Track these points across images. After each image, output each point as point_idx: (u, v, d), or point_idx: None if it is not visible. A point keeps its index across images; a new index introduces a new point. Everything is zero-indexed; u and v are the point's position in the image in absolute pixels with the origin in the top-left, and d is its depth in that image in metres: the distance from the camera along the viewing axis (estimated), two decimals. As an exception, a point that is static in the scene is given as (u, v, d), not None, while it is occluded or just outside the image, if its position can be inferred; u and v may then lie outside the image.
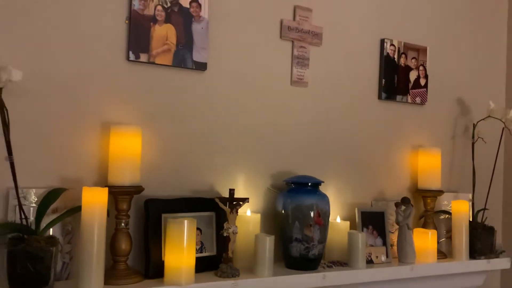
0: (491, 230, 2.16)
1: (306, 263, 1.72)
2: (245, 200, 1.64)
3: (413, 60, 2.24)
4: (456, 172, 2.36)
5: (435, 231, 2.04)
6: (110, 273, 1.44)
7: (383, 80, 2.15)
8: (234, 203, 1.62)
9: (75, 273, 1.46)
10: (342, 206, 2.03)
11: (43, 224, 1.38)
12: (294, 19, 1.94)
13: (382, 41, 2.16)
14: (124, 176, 1.49)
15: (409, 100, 2.23)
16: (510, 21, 2.62)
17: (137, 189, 1.51)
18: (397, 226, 2.00)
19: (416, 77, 2.25)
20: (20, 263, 1.25)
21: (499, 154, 2.34)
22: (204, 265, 1.59)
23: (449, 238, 2.17)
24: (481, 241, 2.12)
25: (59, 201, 1.45)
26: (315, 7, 1.98)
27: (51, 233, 1.43)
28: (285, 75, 1.93)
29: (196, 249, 1.54)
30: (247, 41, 1.84)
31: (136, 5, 1.61)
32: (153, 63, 1.64)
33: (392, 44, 2.18)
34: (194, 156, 1.73)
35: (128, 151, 1.49)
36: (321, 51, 2.00)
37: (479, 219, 2.20)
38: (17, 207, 1.38)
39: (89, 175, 1.55)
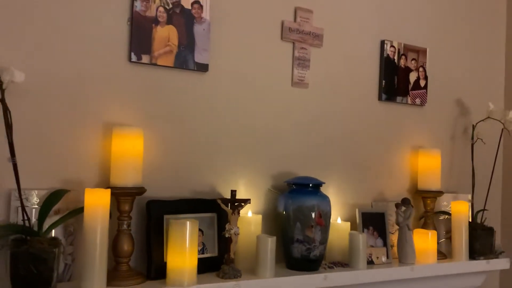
0: (490, 231, 2.17)
1: (308, 264, 1.72)
2: (246, 201, 1.65)
3: (413, 62, 2.25)
4: (455, 173, 2.37)
5: (435, 232, 2.05)
6: (112, 274, 1.44)
7: (383, 81, 2.16)
8: (236, 204, 1.63)
9: (77, 274, 1.46)
10: (342, 207, 2.03)
11: (45, 225, 1.38)
12: (295, 20, 1.95)
13: (382, 43, 2.17)
14: (126, 177, 1.49)
15: (409, 101, 2.24)
16: (509, 23, 2.63)
17: (139, 190, 1.51)
18: (397, 227, 2.01)
19: (416, 78, 2.26)
20: (23, 264, 1.25)
21: (498, 155, 2.35)
22: (205, 266, 1.59)
23: (449, 238, 2.18)
24: (481, 242, 2.13)
25: (61, 203, 1.45)
26: (315, 8, 1.99)
27: (53, 235, 1.43)
28: (286, 76, 1.93)
29: (198, 250, 1.54)
30: (248, 42, 1.85)
31: (138, 6, 1.62)
32: (155, 64, 1.65)
33: (392, 46, 2.18)
34: (196, 157, 1.74)
35: (130, 152, 1.50)
36: (321, 52, 2.01)
37: (478, 220, 2.21)
38: (19, 209, 1.38)
39: (91, 176, 1.55)
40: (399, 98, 2.21)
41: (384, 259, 1.93)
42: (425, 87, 2.28)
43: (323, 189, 1.83)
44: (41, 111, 1.48)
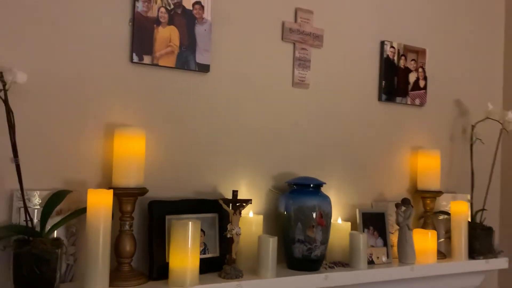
0: (489, 231, 2.18)
1: (309, 264, 1.73)
2: (248, 201, 1.65)
3: (413, 62, 2.26)
4: (454, 173, 2.38)
5: (435, 232, 2.06)
6: (115, 274, 1.44)
7: (383, 81, 2.17)
8: (238, 204, 1.63)
9: (79, 275, 1.46)
10: (342, 207, 2.04)
11: (48, 226, 1.38)
12: (295, 21, 1.95)
13: (382, 43, 2.18)
14: (128, 178, 1.49)
15: (409, 101, 2.24)
16: (507, 24, 2.64)
17: (141, 190, 1.51)
18: (397, 227, 2.02)
19: (415, 79, 2.27)
20: (26, 265, 1.25)
21: (497, 155, 2.36)
22: (207, 267, 1.60)
23: (448, 238, 2.19)
24: (480, 242, 2.14)
25: (63, 203, 1.44)
26: (316, 9, 1.99)
27: (55, 235, 1.43)
28: (286, 77, 1.94)
29: (199, 251, 1.54)
30: (249, 43, 1.85)
31: (140, 7, 1.62)
32: (157, 65, 1.65)
33: (392, 46, 2.19)
34: (197, 157, 1.74)
35: (132, 153, 1.50)
36: (322, 53, 2.01)
37: (477, 220, 2.22)
38: (21, 209, 1.38)
39: (93, 177, 1.55)
40: (398, 99, 2.22)
41: (384, 259, 1.94)
42: (425, 87, 2.29)
43: (323, 189, 1.83)
44: (43, 112, 1.48)
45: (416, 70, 2.27)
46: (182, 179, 1.70)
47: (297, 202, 1.74)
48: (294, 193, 1.78)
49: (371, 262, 1.89)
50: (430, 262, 2.00)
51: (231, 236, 1.60)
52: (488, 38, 2.59)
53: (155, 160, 1.64)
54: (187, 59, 1.70)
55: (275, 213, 1.83)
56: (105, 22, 1.58)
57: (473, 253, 2.13)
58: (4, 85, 1.27)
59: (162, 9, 1.66)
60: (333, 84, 2.05)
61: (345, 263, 1.84)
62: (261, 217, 1.79)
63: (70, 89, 1.52)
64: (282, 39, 1.92)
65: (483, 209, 2.23)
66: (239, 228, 1.61)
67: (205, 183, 1.75)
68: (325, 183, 1.82)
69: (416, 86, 2.27)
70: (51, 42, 1.50)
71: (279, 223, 1.80)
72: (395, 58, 2.21)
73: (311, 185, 1.79)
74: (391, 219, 2.05)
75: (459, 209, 2.11)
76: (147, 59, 1.63)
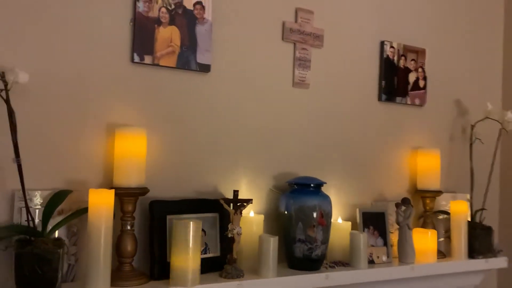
0: (489, 230, 2.18)
1: (309, 263, 1.73)
2: (249, 201, 1.65)
3: (412, 62, 2.27)
4: (454, 172, 2.39)
5: (435, 231, 2.07)
6: (116, 274, 1.44)
7: (383, 81, 2.17)
8: (238, 204, 1.63)
9: (81, 275, 1.47)
10: (342, 207, 2.04)
11: (49, 226, 1.38)
12: (296, 21, 1.95)
13: (382, 43, 2.18)
14: (129, 177, 1.49)
15: (409, 101, 2.25)
16: (506, 24, 2.65)
17: (143, 190, 1.51)
18: (396, 226, 2.02)
19: (415, 78, 2.27)
20: (28, 265, 1.25)
21: (496, 155, 2.37)
22: (208, 266, 1.60)
23: (448, 238, 2.20)
24: (480, 241, 2.15)
25: (64, 203, 1.44)
26: (316, 9, 2.00)
27: (56, 235, 1.43)
28: (287, 77, 1.94)
29: (201, 250, 1.54)
30: (249, 43, 1.86)
31: (141, 7, 1.62)
32: (158, 65, 1.65)
33: (392, 46, 2.20)
34: (198, 157, 1.74)
35: (133, 153, 1.50)
36: (322, 53, 2.02)
37: (477, 219, 2.23)
38: (23, 209, 1.38)
39: (94, 177, 1.55)
40: (398, 99, 2.22)
41: (384, 258, 1.94)
42: (424, 87, 2.30)
43: (323, 189, 1.84)
44: (44, 112, 1.48)
45: (416, 70, 2.28)
46: (183, 179, 1.70)
47: (298, 202, 1.74)
48: (294, 193, 1.78)
49: (371, 262, 1.90)
50: (430, 261, 2.01)
51: (232, 235, 1.60)
52: (487, 38, 2.60)
53: (156, 160, 1.64)
54: (188, 59, 1.70)
55: (276, 213, 1.83)
56: (106, 22, 1.58)
57: (472, 253, 2.13)
58: (5, 85, 1.26)
59: (163, 9, 1.66)
60: (333, 84, 2.06)
61: (345, 263, 1.84)
62: (261, 216, 1.79)
63: (71, 89, 1.52)
64: (283, 39, 1.92)
65: (482, 209, 2.24)
66: (240, 227, 1.61)
67: (206, 183, 1.75)
68: (325, 183, 1.82)
69: (416, 86, 2.27)
70: (52, 42, 1.50)
71: (279, 223, 1.80)
72: (395, 58, 2.21)
73: (312, 185, 1.79)
74: (391, 218, 2.05)
75: (459, 209, 2.11)
76: (148, 59, 1.63)
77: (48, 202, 1.40)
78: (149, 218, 1.57)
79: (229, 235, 1.60)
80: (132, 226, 1.50)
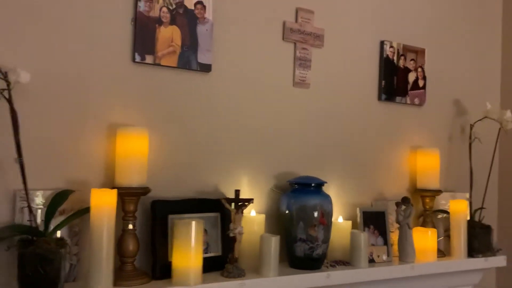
0: (488, 229, 2.20)
1: (310, 262, 1.74)
2: (250, 200, 1.66)
3: (412, 62, 2.27)
4: (453, 172, 2.40)
5: (434, 230, 2.07)
6: (118, 274, 1.44)
7: (383, 81, 2.18)
8: (240, 203, 1.63)
9: (82, 274, 1.47)
10: (343, 206, 2.05)
11: (51, 226, 1.38)
12: (296, 21, 1.96)
13: (382, 43, 2.19)
14: (131, 177, 1.49)
15: (408, 101, 2.26)
16: (504, 25, 2.67)
17: (144, 190, 1.51)
18: (396, 226, 2.03)
19: (414, 78, 2.28)
20: (30, 265, 1.25)
21: (495, 154, 2.38)
22: (209, 266, 1.60)
23: (447, 236, 2.20)
24: (479, 240, 2.16)
25: (66, 203, 1.44)
26: (316, 9, 2.00)
27: (58, 235, 1.43)
28: (287, 77, 1.95)
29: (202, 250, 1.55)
30: (250, 42, 1.86)
31: (142, 6, 1.62)
32: (159, 64, 1.65)
33: (391, 46, 2.21)
34: (199, 157, 1.74)
35: (135, 152, 1.50)
36: (322, 52, 2.02)
37: (476, 218, 2.24)
38: (24, 209, 1.38)
39: (95, 177, 1.55)
40: (398, 98, 2.23)
41: (384, 257, 1.95)
42: (424, 87, 2.31)
43: (324, 188, 1.84)
44: (45, 112, 1.48)
45: (416, 69, 2.28)
46: (184, 179, 1.70)
47: (299, 202, 1.74)
48: (295, 192, 1.79)
49: (371, 261, 1.91)
50: (430, 260, 2.02)
51: (233, 235, 1.61)
52: (486, 38, 2.61)
53: (157, 160, 1.64)
54: (188, 58, 1.70)
55: (277, 213, 1.84)
56: (107, 22, 1.58)
57: (472, 252, 2.14)
58: (8, 85, 1.26)
59: (164, 9, 1.66)
60: (333, 84, 2.06)
61: (346, 262, 1.85)
62: (263, 216, 1.79)
63: (72, 89, 1.52)
64: (283, 39, 1.93)
65: (481, 208, 2.25)
66: (242, 227, 1.62)
67: (207, 182, 1.75)
68: (326, 182, 1.83)
69: (415, 86, 2.28)
70: (53, 41, 1.49)
71: (280, 222, 1.81)
72: (395, 58, 2.22)
73: (313, 185, 1.80)
74: (391, 218, 2.06)
75: (459, 208, 2.12)
76: (149, 58, 1.63)
77: (50, 202, 1.39)
78: (151, 218, 1.57)
79: (231, 235, 1.61)
80: (134, 225, 1.50)
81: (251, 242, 1.69)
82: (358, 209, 1.98)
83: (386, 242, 1.98)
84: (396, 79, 2.22)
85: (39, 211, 1.42)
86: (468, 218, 2.22)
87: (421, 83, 2.30)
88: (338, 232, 1.89)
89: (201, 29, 1.73)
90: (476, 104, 2.41)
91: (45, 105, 1.48)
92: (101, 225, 1.35)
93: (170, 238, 1.55)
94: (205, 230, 1.63)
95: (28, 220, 1.36)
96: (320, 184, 1.81)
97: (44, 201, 1.43)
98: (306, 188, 1.79)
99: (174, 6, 1.68)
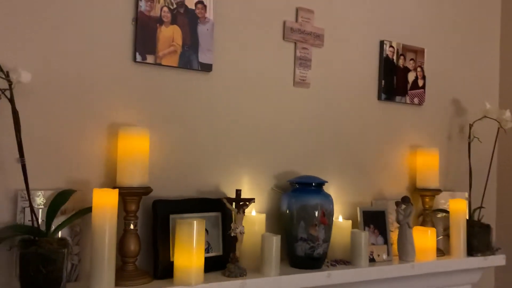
0: (487, 228, 2.20)
1: (311, 262, 1.74)
2: (251, 200, 1.66)
3: (411, 62, 2.28)
4: (452, 171, 2.41)
5: (434, 229, 2.08)
6: (120, 274, 1.44)
7: (383, 81, 2.18)
8: (241, 203, 1.64)
9: (84, 274, 1.47)
10: (343, 206, 2.05)
11: (52, 226, 1.38)
12: (296, 20, 1.96)
13: (382, 43, 2.20)
14: (133, 177, 1.49)
15: (408, 100, 2.27)
16: (503, 25, 2.68)
17: (146, 190, 1.51)
18: (396, 225, 2.04)
19: (414, 78, 2.29)
20: (32, 265, 1.25)
21: (494, 153, 2.39)
22: (210, 265, 1.60)
23: (447, 236, 2.21)
24: (478, 239, 2.16)
25: (67, 203, 1.44)
26: (316, 8, 2.01)
27: (59, 235, 1.43)
28: (288, 76, 1.95)
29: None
30: (250, 42, 1.86)
31: (143, 6, 1.62)
32: (160, 64, 1.65)
33: (391, 46, 2.21)
34: (199, 156, 1.74)
35: (136, 152, 1.50)
36: (322, 52, 2.03)
37: (475, 217, 2.25)
38: (26, 209, 1.38)
39: (96, 176, 1.55)
40: (398, 98, 2.24)
41: (385, 256, 1.95)
42: (423, 86, 2.32)
43: (324, 187, 1.84)
44: (46, 112, 1.48)
45: (415, 69, 2.29)
46: (185, 178, 1.70)
47: (300, 201, 1.75)
48: (296, 192, 1.79)
49: (372, 260, 1.91)
50: (429, 259, 2.02)
51: (235, 235, 1.61)
52: (485, 38, 2.62)
53: (158, 160, 1.64)
54: (189, 58, 1.70)
55: (277, 212, 1.84)
56: (108, 22, 1.57)
57: (471, 251, 2.15)
58: (10, 85, 1.26)
59: (165, 9, 1.66)
60: (333, 84, 2.07)
61: (346, 261, 1.85)
62: (263, 215, 1.79)
63: (73, 89, 1.52)
64: (284, 38, 1.93)
65: (481, 207, 2.26)
66: (243, 226, 1.62)
67: (208, 182, 1.75)
68: (327, 182, 1.83)
69: (414, 85, 2.29)
70: (55, 41, 1.49)
71: (281, 222, 1.81)
72: (394, 57, 2.22)
73: (313, 184, 1.80)
74: (391, 217, 2.06)
75: (458, 207, 2.13)
76: (150, 58, 1.63)
77: (52, 201, 1.39)
78: (152, 218, 1.57)
79: (232, 234, 1.61)
80: (135, 225, 1.50)
81: (252, 242, 1.70)
82: (358, 209, 1.99)
83: (386, 241, 1.99)
84: (396, 79, 2.23)
85: (40, 211, 1.42)
86: (467, 217, 2.23)
87: (420, 82, 2.31)
88: (338, 231, 1.89)
89: (201, 29, 1.73)
90: (475, 103, 2.42)
91: (46, 105, 1.48)
92: (103, 225, 1.35)
93: (171, 238, 1.55)
94: (206, 230, 1.63)
95: (29, 220, 1.35)
96: (320, 184, 1.81)
97: (45, 201, 1.43)
98: (306, 187, 1.79)
99: (175, 6, 1.68)
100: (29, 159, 1.37)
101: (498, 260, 2.23)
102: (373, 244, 1.95)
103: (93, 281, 1.34)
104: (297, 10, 1.96)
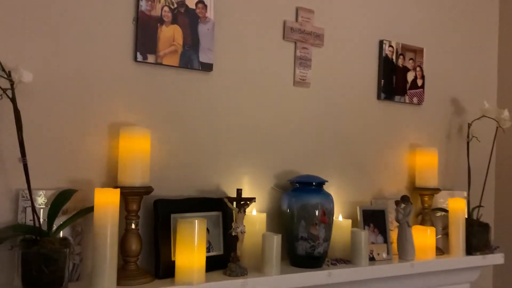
0: (486, 227, 2.22)
1: (312, 261, 1.75)
2: (252, 199, 1.66)
3: (411, 61, 2.29)
4: (451, 170, 2.42)
5: (433, 228, 2.09)
6: (121, 273, 1.44)
7: (382, 80, 2.19)
8: (242, 202, 1.64)
9: (85, 274, 1.47)
10: (342, 205, 2.06)
11: (54, 225, 1.38)
12: (296, 20, 1.96)
13: (381, 42, 2.20)
14: (134, 177, 1.49)
15: (407, 100, 2.27)
16: (501, 25, 2.69)
17: (147, 189, 1.51)
18: (396, 224, 2.05)
19: (413, 77, 2.30)
20: (35, 265, 1.25)
21: (493, 153, 2.40)
22: (211, 265, 1.60)
23: (446, 234, 2.22)
24: (477, 238, 2.18)
25: (69, 203, 1.43)
26: (316, 8, 2.01)
27: (61, 235, 1.43)
28: (288, 76, 1.95)
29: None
30: (251, 42, 1.86)
31: (144, 6, 1.62)
32: (161, 64, 1.65)
33: (390, 45, 2.22)
34: (200, 156, 1.74)
35: (137, 152, 1.50)
36: (322, 52, 2.03)
37: (474, 216, 2.26)
38: (27, 209, 1.38)
39: (98, 176, 1.55)
40: (397, 97, 2.24)
41: (384, 255, 1.96)
42: (422, 86, 2.33)
43: (324, 187, 1.85)
44: (47, 111, 1.48)
45: (414, 69, 2.30)
46: (186, 178, 1.71)
47: (300, 200, 1.75)
48: (296, 191, 1.79)
49: (372, 259, 1.92)
50: (429, 258, 2.03)
51: (235, 234, 1.61)
52: (483, 38, 2.63)
53: (159, 159, 1.64)
54: (190, 58, 1.70)
55: (278, 211, 1.84)
56: (109, 22, 1.57)
57: (470, 249, 2.16)
58: (12, 84, 1.26)
59: (166, 8, 1.66)
60: (333, 83, 2.07)
61: (346, 260, 1.86)
62: (264, 215, 1.80)
63: (74, 89, 1.52)
64: (284, 38, 1.93)
65: (479, 206, 2.27)
66: (244, 226, 1.62)
67: (209, 181, 1.75)
68: (327, 181, 1.84)
69: (414, 85, 2.30)
70: (56, 41, 1.49)
71: (281, 221, 1.81)
72: (394, 57, 2.23)
73: (314, 183, 1.80)
74: (390, 216, 2.07)
75: (457, 206, 2.14)
76: (151, 58, 1.63)
77: (53, 201, 1.39)
78: (154, 217, 1.57)
79: (233, 234, 1.61)
80: (136, 225, 1.50)
81: (253, 241, 1.70)
82: (358, 208, 1.99)
83: (386, 240, 2.00)
84: (395, 78, 2.24)
85: (42, 210, 1.42)
86: (466, 216, 2.24)
87: (419, 82, 2.32)
88: (338, 230, 1.90)
89: (202, 29, 1.73)
90: (474, 103, 2.43)
91: (48, 105, 1.48)
92: (105, 224, 1.35)
93: (173, 237, 1.55)
94: (207, 229, 1.63)
95: (30, 220, 1.35)
96: (321, 183, 1.82)
97: (46, 200, 1.43)
98: (307, 187, 1.80)
99: (175, 6, 1.68)
100: (30, 158, 1.37)
101: (497, 258, 2.24)
102: (373, 243, 1.96)
103: (94, 281, 1.34)
104: (297, 10, 1.97)
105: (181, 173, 1.70)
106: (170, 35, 1.67)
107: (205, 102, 1.76)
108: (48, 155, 1.47)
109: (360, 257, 1.83)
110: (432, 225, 2.16)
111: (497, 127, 2.33)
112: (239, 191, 1.66)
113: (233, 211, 1.65)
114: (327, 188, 1.87)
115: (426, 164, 2.23)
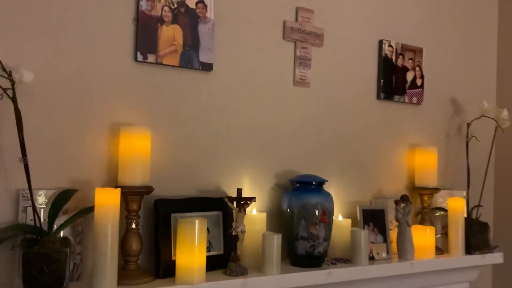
0: (485, 226, 2.22)
1: (312, 260, 1.75)
2: (252, 199, 1.66)
3: (410, 61, 2.29)
4: (451, 170, 2.42)
5: (433, 228, 2.09)
6: (122, 273, 1.44)
7: (382, 80, 2.20)
8: (242, 202, 1.64)
9: (86, 274, 1.47)
10: (342, 204, 2.06)
11: (55, 225, 1.38)
12: (296, 20, 1.97)
13: (381, 42, 2.21)
14: (134, 176, 1.49)
15: (406, 100, 2.28)
16: (500, 25, 2.70)
17: (148, 189, 1.51)
18: (395, 223, 2.05)
19: (412, 77, 2.30)
20: (35, 264, 1.25)
21: (492, 152, 2.41)
22: (211, 264, 1.60)
23: (445, 234, 2.23)
24: (476, 237, 2.18)
25: (69, 202, 1.43)
26: (316, 8, 2.01)
27: (61, 234, 1.43)
28: (288, 76, 1.96)
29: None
30: (251, 41, 1.87)
31: (144, 5, 1.62)
32: (161, 63, 1.65)
33: (390, 45, 2.22)
34: (200, 156, 1.75)
35: (138, 152, 1.50)
36: (322, 52, 2.04)
37: (473, 216, 2.26)
38: (27, 209, 1.38)
39: (98, 176, 1.55)
40: (396, 97, 2.25)
41: (384, 255, 1.97)
42: (422, 86, 2.33)
43: (324, 186, 1.85)
44: (47, 111, 1.48)
45: (413, 68, 2.30)
46: (186, 178, 1.71)
47: (300, 200, 1.75)
48: (296, 191, 1.80)
49: (371, 258, 1.92)
50: (428, 257, 2.04)
51: (236, 233, 1.61)
52: (483, 37, 2.64)
53: (159, 159, 1.64)
54: (190, 57, 1.71)
55: (278, 211, 1.85)
56: (109, 21, 1.57)
57: (469, 249, 2.17)
58: (12, 84, 1.26)
59: (166, 8, 1.66)
60: (333, 83, 2.08)
61: (346, 259, 1.86)
62: (264, 214, 1.80)
63: (75, 88, 1.52)
64: (284, 38, 1.94)
65: (479, 205, 2.27)
66: (244, 225, 1.62)
67: (209, 181, 1.76)
68: (327, 181, 1.84)
69: (413, 85, 2.30)
70: (56, 41, 1.49)
71: (281, 221, 1.82)
72: (393, 57, 2.24)
73: (314, 183, 1.81)
74: (390, 215, 2.08)
75: (456, 205, 2.14)
76: (151, 57, 1.63)
77: (54, 201, 1.39)
78: (154, 217, 1.58)
79: (233, 233, 1.61)
80: (137, 224, 1.50)
81: (253, 241, 1.70)
82: (358, 207, 2.00)
83: (385, 239, 2.00)
84: (395, 78, 2.24)
85: (42, 210, 1.42)
86: (466, 215, 2.25)
87: (419, 82, 2.32)
88: (338, 230, 1.90)
89: (202, 28, 1.73)
90: (473, 102, 2.44)
91: (48, 104, 1.48)
92: (105, 224, 1.35)
93: (173, 237, 1.55)
94: (208, 229, 1.64)
95: (31, 220, 1.36)
96: (321, 183, 1.82)
97: (47, 200, 1.43)
98: (307, 186, 1.80)
99: (175, 5, 1.68)
100: (31, 158, 1.37)
101: (496, 258, 2.24)
102: (372, 242, 1.96)
103: (95, 280, 1.34)
104: (297, 9, 1.97)
105: (181, 172, 1.70)
106: (170, 35, 1.67)
107: (205, 102, 1.76)
108: (49, 155, 1.48)
109: (360, 256, 1.84)
110: (432, 224, 2.17)
111: (496, 127, 2.34)
112: (239, 191, 1.66)
113: (233, 211, 1.65)
114: (327, 187, 1.88)
115: (426, 163, 2.23)
